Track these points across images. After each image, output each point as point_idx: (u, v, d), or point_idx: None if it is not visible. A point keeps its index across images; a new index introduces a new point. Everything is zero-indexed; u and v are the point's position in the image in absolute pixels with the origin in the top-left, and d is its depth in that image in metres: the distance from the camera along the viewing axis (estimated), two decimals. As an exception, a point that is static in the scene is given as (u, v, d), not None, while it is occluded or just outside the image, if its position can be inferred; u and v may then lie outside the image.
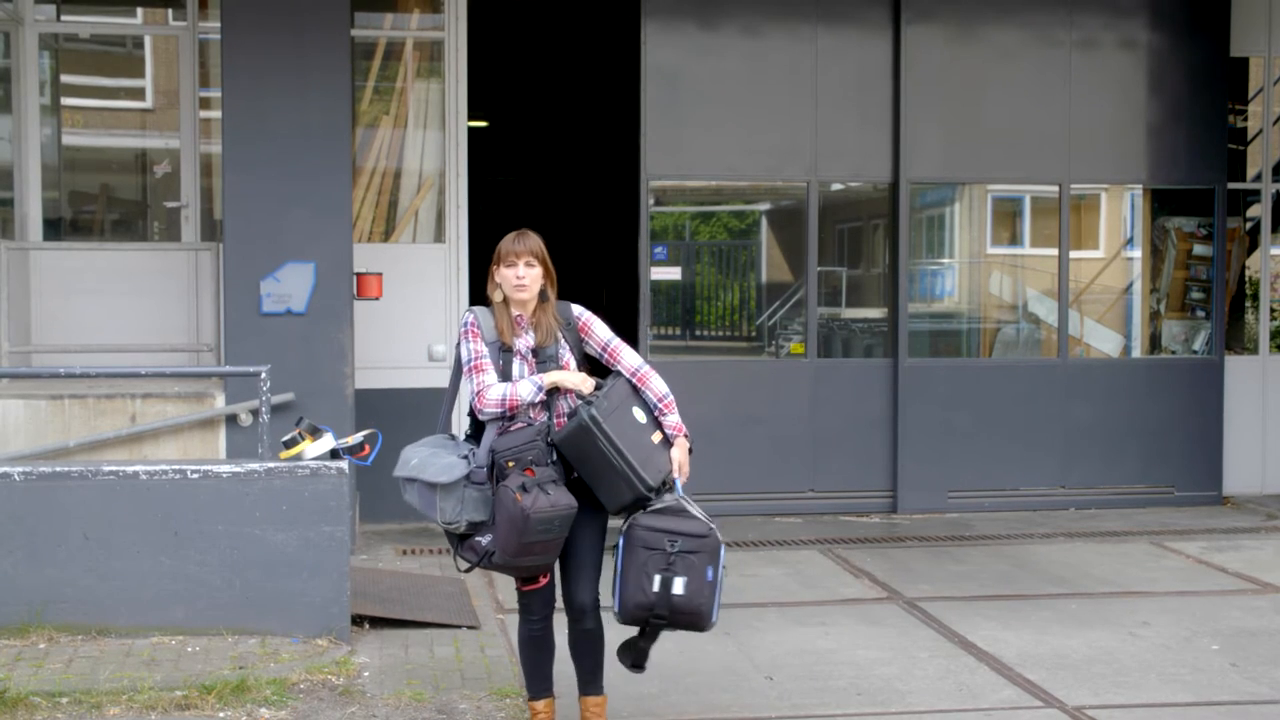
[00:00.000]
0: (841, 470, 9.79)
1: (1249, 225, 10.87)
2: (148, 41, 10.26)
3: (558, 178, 17.64)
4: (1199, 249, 10.32)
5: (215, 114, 9.00)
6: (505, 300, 4.85)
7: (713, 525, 4.79)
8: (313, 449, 6.20)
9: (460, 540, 4.79)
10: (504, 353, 4.80)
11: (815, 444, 9.75)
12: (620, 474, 4.67)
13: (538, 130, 16.68)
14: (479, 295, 10.70)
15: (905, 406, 9.77)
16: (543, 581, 4.84)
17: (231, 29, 8.24)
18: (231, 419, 8.15)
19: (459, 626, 6.62)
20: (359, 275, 8.71)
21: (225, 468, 6.27)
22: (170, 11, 9.86)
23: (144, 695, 5.41)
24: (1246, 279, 11.00)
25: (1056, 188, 10.02)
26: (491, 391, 4.72)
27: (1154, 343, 10.43)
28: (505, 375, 4.78)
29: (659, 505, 4.76)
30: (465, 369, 4.81)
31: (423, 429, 9.47)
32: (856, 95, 9.76)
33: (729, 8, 9.66)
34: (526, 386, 4.73)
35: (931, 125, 9.79)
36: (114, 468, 6.25)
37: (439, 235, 9.39)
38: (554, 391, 4.79)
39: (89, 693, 5.43)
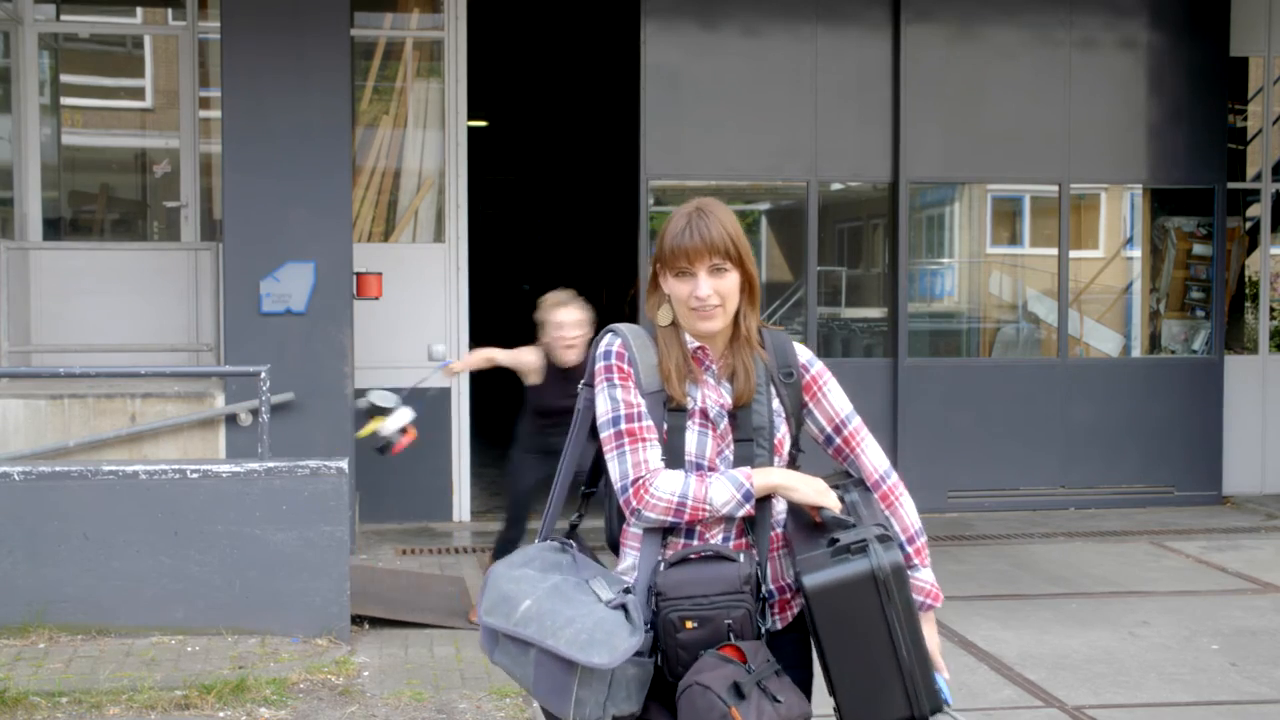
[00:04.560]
0: (841, 470, 9.78)
1: (1249, 225, 10.87)
2: (147, 41, 10.26)
3: (558, 178, 17.66)
4: (1199, 249, 10.32)
5: (215, 114, 9.00)
6: (676, 323, 2.90)
7: None
8: (391, 423, 6.24)
9: None
10: (672, 412, 2.84)
11: (815, 444, 9.75)
12: (905, 675, 2.73)
13: (538, 130, 16.70)
14: (479, 295, 10.73)
15: (905, 406, 9.77)
16: None
17: (231, 29, 8.24)
18: (231, 419, 8.15)
19: (459, 626, 6.63)
20: (359, 275, 8.72)
21: (225, 467, 6.28)
22: (170, 11, 9.87)
23: (144, 695, 5.41)
24: (1246, 279, 11.01)
25: (1056, 187, 10.02)
26: (662, 484, 2.78)
27: (1154, 342, 10.43)
28: (674, 453, 2.83)
29: None
30: (608, 434, 2.84)
31: (423, 429, 9.53)
32: (856, 95, 9.76)
33: (729, 8, 9.66)
34: (724, 488, 2.78)
35: (931, 125, 9.79)
36: (114, 468, 6.25)
37: (439, 235, 9.39)
38: (763, 501, 2.83)
39: (89, 692, 5.43)
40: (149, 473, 6.20)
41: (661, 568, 2.77)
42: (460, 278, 9.36)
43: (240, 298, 8.23)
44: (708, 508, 2.78)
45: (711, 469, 2.83)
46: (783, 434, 2.90)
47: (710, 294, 2.83)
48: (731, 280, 2.86)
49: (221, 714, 5.33)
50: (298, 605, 6.18)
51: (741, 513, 2.80)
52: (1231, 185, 10.36)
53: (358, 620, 6.50)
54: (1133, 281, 10.43)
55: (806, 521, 2.85)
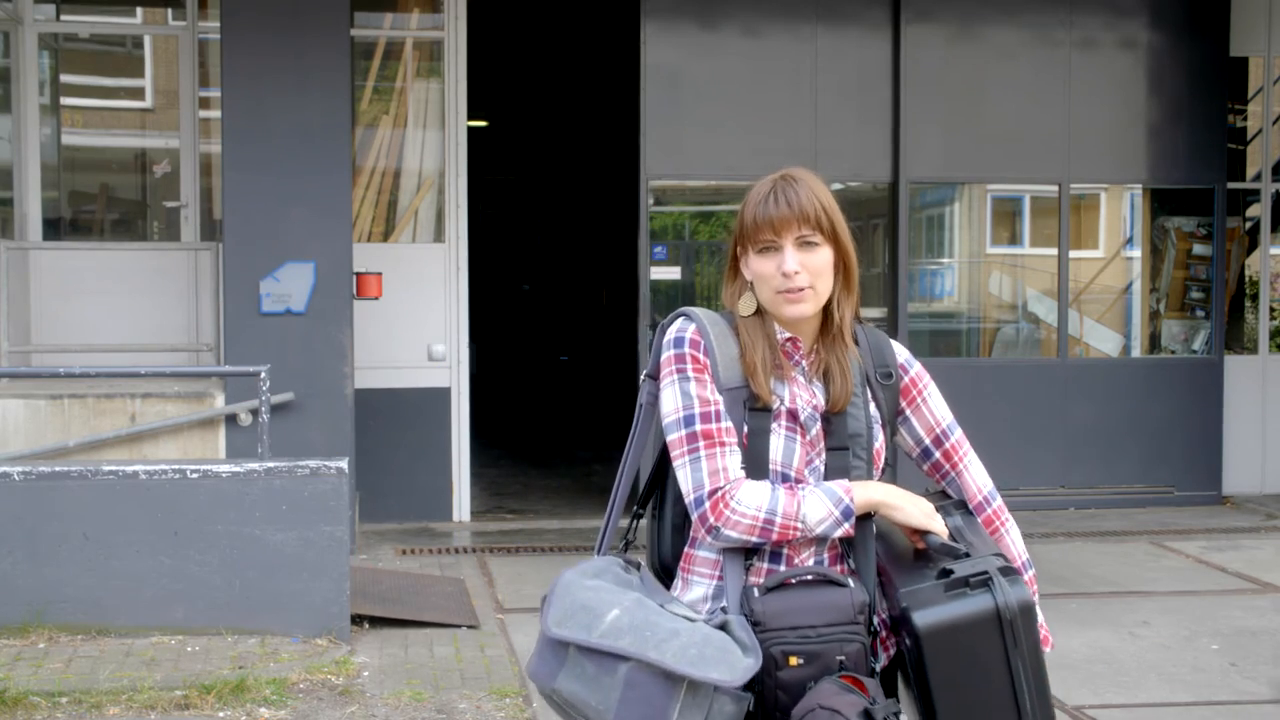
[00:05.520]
0: (841, 470, 9.76)
1: (1249, 225, 10.87)
2: (147, 41, 10.26)
3: (558, 178, 17.66)
4: (1199, 249, 10.32)
5: (215, 114, 9.01)
6: (761, 311, 2.52)
7: None
8: None
9: None
10: (754, 412, 2.45)
11: (815, 444, 9.74)
12: None
13: (538, 130, 16.70)
14: (479, 295, 10.74)
15: (905, 406, 9.75)
16: None
17: (231, 29, 8.24)
18: (231, 419, 8.15)
19: (459, 626, 6.63)
20: (359, 275, 8.72)
21: (225, 468, 6.27)
22: (170, 11, 9.87)
23: (144, 695, 5.41)
24: (1246, 279, 11.01)
25: (1056, 187, 10.02)
26: (745, 497, 2.39)
27: (1154, 342, 10.43)
28: (755, 461, 2.44)
29: None
30: (678, 436, 2.45)
31: (423, 429, 9.56)
32: (856, 95, 9.76)
33: (729, 8, 9.66)
34: (820, 504, 2.40)
35: (931, 125, 9.79)
36: (114, 468, 6.25)
37: (439, 235, 9.39)
38: (863, 520, 2.46)
39: (89, 692, 5.43)
40: (149, 473, 6.20)
41: (756, 593, 2.36)
42: (460, 278, 9.35)
43: (240, 298, 8.23)
44: (800, 526, 2.38)
45: (799, 480, 2.45)
46: (880, 443, 2.52)
47: (799, 270, 2.45)
48: (823, 257, 2.49)
49: (221, 714, 5.33)
50: (298, 605, 6.18)
51: (838, 533, 2.41)
52: (1231, 185, 10.36)
53: (358, 620, 6.49)
54: (1133, 281, 10.44)
55: (903, 547, 2.49)
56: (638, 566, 2.50)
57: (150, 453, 7.96)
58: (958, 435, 2.64)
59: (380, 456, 9.02)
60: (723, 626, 2.32)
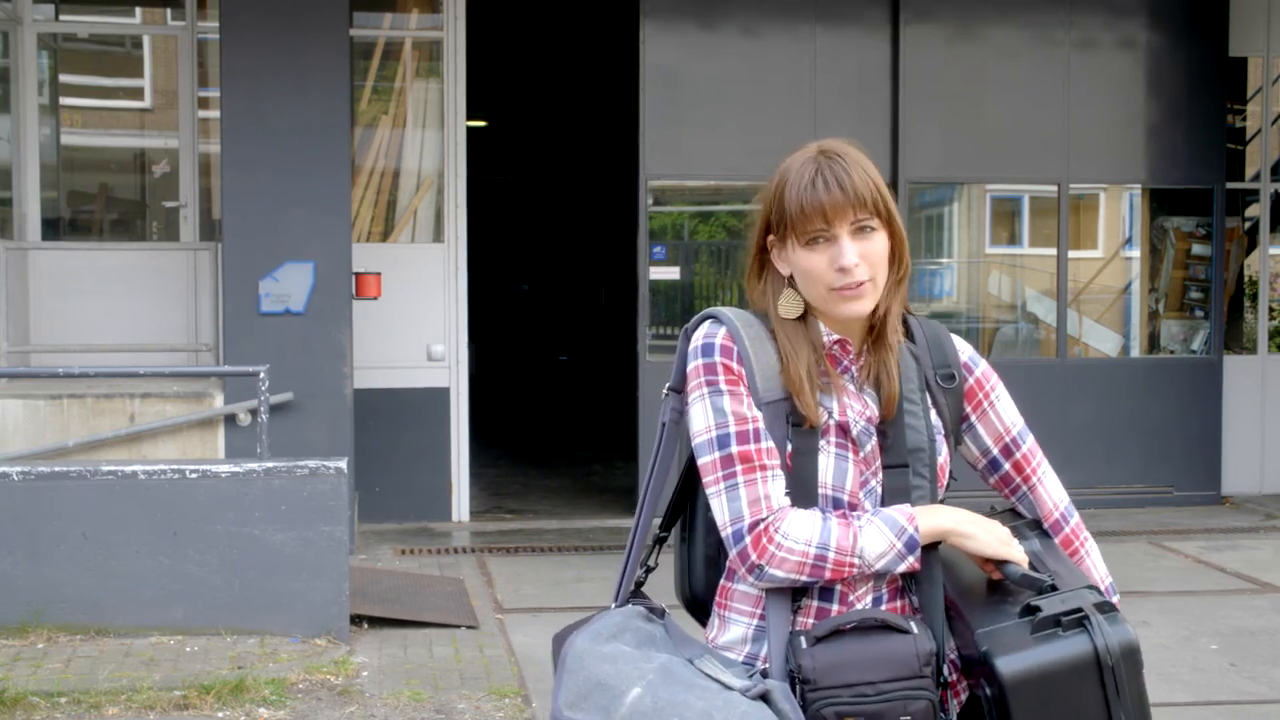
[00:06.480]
0: (841, 470, 9.76)
1: (1248, 225, 10.88)
2: (146, 41, 10.27)
3: (558, 178, 17.66)
4: (1198, 249, 10.32)
5: (214, 114, 9.01)
6: (806, 314, 2.19)
7: None
8: None
9: None
10: (799, 430, 2.13)
11: (814, 444, 9.73)
12: None
13: (538, 130, 16.70)
14: (478, 295, 10.75)
15: (904, 406, 9.74)
16: None
17: (230, 29, 8.24)
18: (230, 419, 8.15)
19: (458, 626, 6.63)
20: (358, 275, 8.72)
21: (224, 468, 6.27)
22: (169, 11, 9.87)
23: (143, 695, 5.41)
24: (1245, 279, 11.01)
25: (1055, 187, 10.02)
26: (793, 530, 2.08)
27: (1153, 342, 10.43)
28: (801, 485, 2.12)
29: None
30: (711, 459, 2.13)
31: (422, 429, 9.55)
32: (856, 95, 9.76)
33: (728, 8, 9.65)
34: (879, 535, 2.09)
35: (930, 125, 9.79)
36: (113, 468, 6.25)
37: (438, 235, 9.39)
38: (929, 550, 2.13)
39: (88, 692, 5.43)
40: (148, 473, 6.20)
41: (804, 644, 2.03)
42: (459, 278, 9.35)
43: (239, 298, 8.23)
44: (856, 562, 2.06)
45: (853, 506, 2.13)
46: (944, 457, 2.21)
47: (856, 263, 2.12)
48: (880, 244, 2.17)
49: (220, 714, 5.33)
50: (297, 605, 6.18)
51: (902, 568, 2.08)
52: (1230, 185, 10.36)
53: (357, 620, 6.49)
54: (1132, 281, 10.44)
55: (973, 577, 2.17)
56: (661, 614, 2.18)
57: (149, 453, 7.96)
58: (1030, 443, 2.33)
59: (380, 456, 9.02)
60: (764, 695, 1.99)
